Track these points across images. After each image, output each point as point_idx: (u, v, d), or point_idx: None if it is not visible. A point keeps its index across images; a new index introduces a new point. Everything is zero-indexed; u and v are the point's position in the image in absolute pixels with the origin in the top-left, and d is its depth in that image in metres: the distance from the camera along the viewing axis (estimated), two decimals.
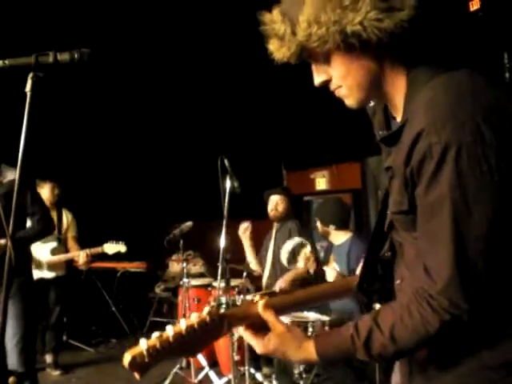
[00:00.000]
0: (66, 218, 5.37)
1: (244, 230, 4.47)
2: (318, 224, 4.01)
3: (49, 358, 5.07)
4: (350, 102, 1.22)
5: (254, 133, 6.39)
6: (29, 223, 3.37)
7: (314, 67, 1.22)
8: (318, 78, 1.22)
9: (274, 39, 1.17)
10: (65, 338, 5.73)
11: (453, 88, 1.08)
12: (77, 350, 5.71)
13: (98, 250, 5.02)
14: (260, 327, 1.27)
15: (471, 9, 3.91)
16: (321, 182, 6.82)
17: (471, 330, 1.09)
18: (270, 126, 6.32)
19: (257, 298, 1.31)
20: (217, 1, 4.96)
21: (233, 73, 5.82)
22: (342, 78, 1.18)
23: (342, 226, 3.94)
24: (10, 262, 1.52)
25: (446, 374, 1.14)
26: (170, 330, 1.13)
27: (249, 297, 3.83)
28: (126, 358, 1.06)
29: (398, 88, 1.18)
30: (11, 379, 1.61)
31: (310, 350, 1.20)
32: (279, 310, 1.30)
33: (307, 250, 3.90)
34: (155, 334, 1.11)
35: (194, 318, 1.17)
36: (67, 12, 4.80)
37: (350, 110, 1.38)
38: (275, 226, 4.58)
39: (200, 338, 1.17)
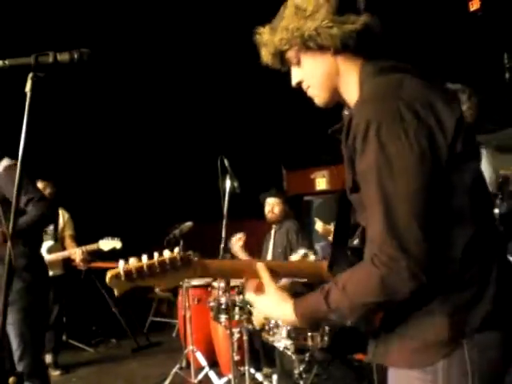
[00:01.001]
0: (63, 217, 5.38)
1: (236, 240, 4.47)
2: (319, 225, 4.00)
3: (48, 358, 5.06)
4: (317, 100, 1.43)
5: (254, 132, 6.39)
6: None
7: (291, 70, 1.44)
8: (293, 79, 1.44)
9: (262, 47, 1.43)
10: (65, 337, 5.73)
11: (385, 84, 1.28)
12: (77, 350, 5.72)
13: (93, 246, 5.04)
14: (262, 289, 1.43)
15: (471, 9, 3.91)
16: (321, 182, 6.83)
17: (422, 302, 1.21)
18: (270, 126, 6.32)
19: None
20: (217, 4, 4.96)
21: (232, 73, 5.82)
22: (309, 79, 1.41)
23: None
24: (11, 261, 1.52)
25: (401, 346, 1.27)
26: (144, 259, 1.31)
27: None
28: (107, 276, 1.30)
29: (352, 89, 1.36)
30: (11, 379, 1.61)
31: (288, 308, 1.35)
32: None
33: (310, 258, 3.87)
34: (132, 259, 1.31)
35: (166, 255, 1.34)
36: (67, 12, 4.81)
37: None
38: (274, 227, 4.68)
39: (170, 273, 1.34)
